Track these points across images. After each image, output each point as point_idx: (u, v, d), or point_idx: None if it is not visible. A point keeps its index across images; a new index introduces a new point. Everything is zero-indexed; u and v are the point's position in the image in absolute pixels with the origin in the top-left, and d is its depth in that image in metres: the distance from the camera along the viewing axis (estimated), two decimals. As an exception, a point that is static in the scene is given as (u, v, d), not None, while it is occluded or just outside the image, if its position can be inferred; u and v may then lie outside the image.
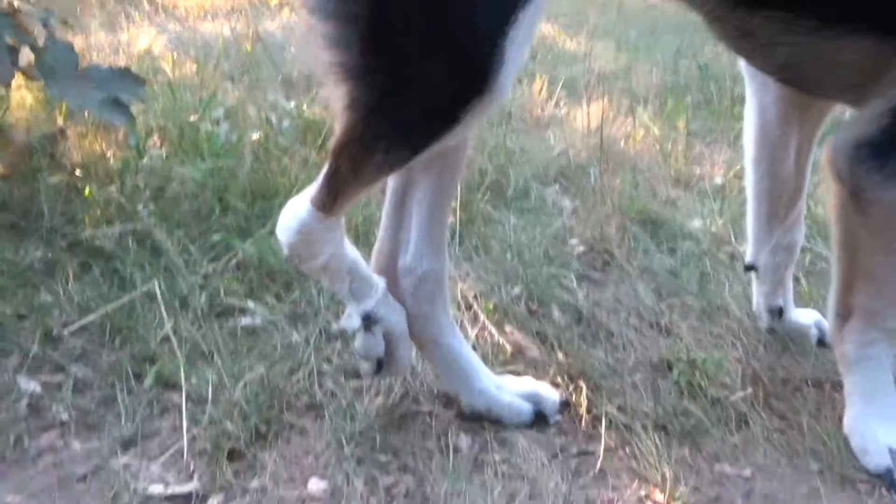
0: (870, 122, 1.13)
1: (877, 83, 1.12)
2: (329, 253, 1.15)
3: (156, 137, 2.39)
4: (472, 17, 0.97)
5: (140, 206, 1.77)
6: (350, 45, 0.98)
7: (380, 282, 1.23)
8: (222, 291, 1.61)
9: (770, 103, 1.47)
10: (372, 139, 1.03)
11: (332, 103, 1.07)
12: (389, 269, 1.28)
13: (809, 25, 1.13)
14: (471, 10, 0.96)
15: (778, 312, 1.60)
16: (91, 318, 1.47)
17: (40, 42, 2.25)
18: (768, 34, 1.18)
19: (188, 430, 1.21)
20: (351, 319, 1.21)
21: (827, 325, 1.63)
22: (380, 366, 1.26)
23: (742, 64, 1.51)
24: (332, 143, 1.08)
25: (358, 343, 1.24)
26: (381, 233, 1.30)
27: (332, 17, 0.98)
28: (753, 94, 1.51)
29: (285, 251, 1.18)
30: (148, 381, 1.34)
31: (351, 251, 1.20)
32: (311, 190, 1.13)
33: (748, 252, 1.63)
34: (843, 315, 1.29)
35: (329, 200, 1.11)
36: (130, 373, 1.36)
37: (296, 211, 1.14)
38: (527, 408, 1.29)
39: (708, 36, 5.05)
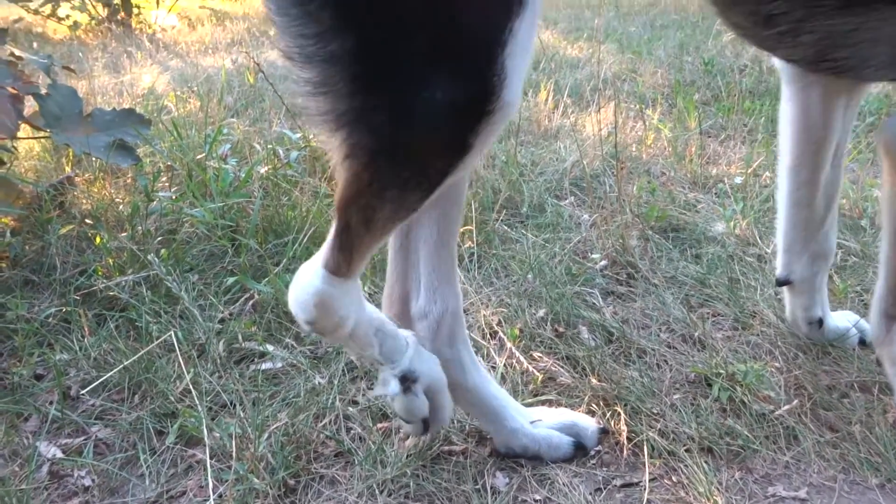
0: None
1: None
2: (354, 318, 1.06)
3: (164, 179, 2.37)
4: (466, 36, 0.88)
5: (151, 254, 1.73)
6: (339, 88, 0.89)
7: (409, 335, 1.15)
8: (240, 336, 1.57)
9: (816, 102, 1.36)
10: (381, 187, 0.94)
11: (330, 154, 0.97)
12: (403, 317, 1.21)
13: (837, 3, 1.02)
14: (464, 28, 0.88)
15: (818, 323, 1.53)
16: (109, 375, 1.43)
17: (43, 90, 2.25)
18: (793, 19, 1.07)
19: (214, 489, 1.17)
20: (388, 385, 1.12)
21: (867, 325, 1.57)
22: (426, 425, 1.18)
23: (779, 65, 1.40)
24: (337, 199, 0.99)
25: (399, 406, 1.15)
26: (389, 277, 1.23)
27: (313, 61, 0.89)
28: (795, 95, 1.39)
29: (305, 328, 1.07)
30: (170, 439, 1.30)
31: (373, 310, 1.12)
32: (322, 254, 1.04)
33: (780, 265, 1.55)
34: (892, 314, 1.23)
35: (344, 261, 1.02)
36: (152, 430, 1.32)
37: (308, 280, 1.04)
38: (565, 441, 1.24)
39: (709, 29, 4.99)
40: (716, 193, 2.37)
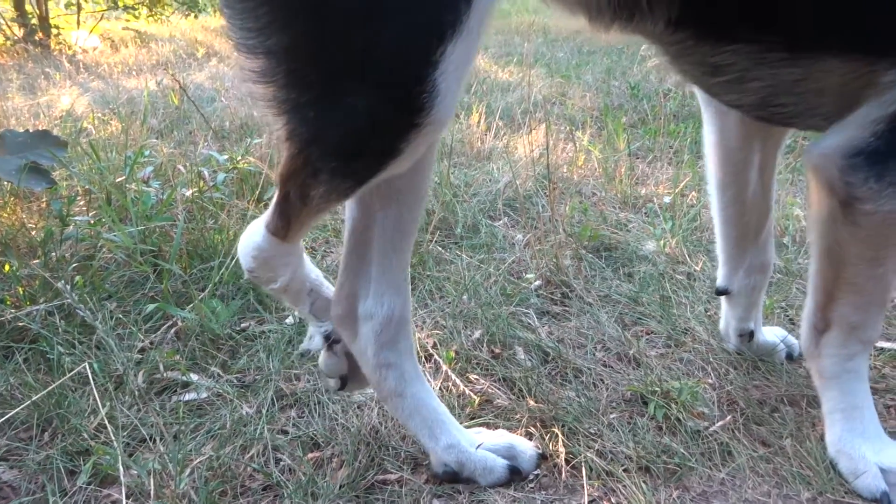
0: (861, 128, 1.05)
1: (861, 95, 1.05)
2: (288, 276, 1.15)
3: (81, 203, 2.25)
4: (393, 53, 0.93)
5: (65, 281, 1.63)
6: (276, 80, 0.95)
7: None
8: (161, 366, 1.49)
9: (732, 126, 1.40)
10: (314, 171, 1.00)
11: (274, 134, 1.04)
12: (349, 316, 1.20)
13: (782, 56, 1.07)
14: (390, 46, 0.93)
15: (749, 335, 1.56)
16: (16, 411, 1.33)
17: (-52, 111, 2.11)
18: (739, 69, 1.11)
19: (131, 532, 1.09)
20: (313, 340, 1.23)
21: (794, 340, 1.60)
22: (343, 382, 1.25)
23: (696, 90, 1.45)
24: (279, 171, 1.05)
25: (321, 361, 1.26)
26: (340, 278, 1.22)
27: (254, 52, 0.95)
28: (712, 120, 1.43)
29: (245, 275, 1.17)
30: (82, 479, 1.20)
31: (312, 271, 1.21)
32: (266, 215, 1.12)
33: (719, 276, 1.57)
34: (821, 328, 1.24)
35: (282, 227, 1.10)
36: (63, 470, 1.23)
37: (252, 235, 1.14)
38: (501, 464, 1.20)
39: (635, 55, 5.14)
40: (645, 213, 2.41)
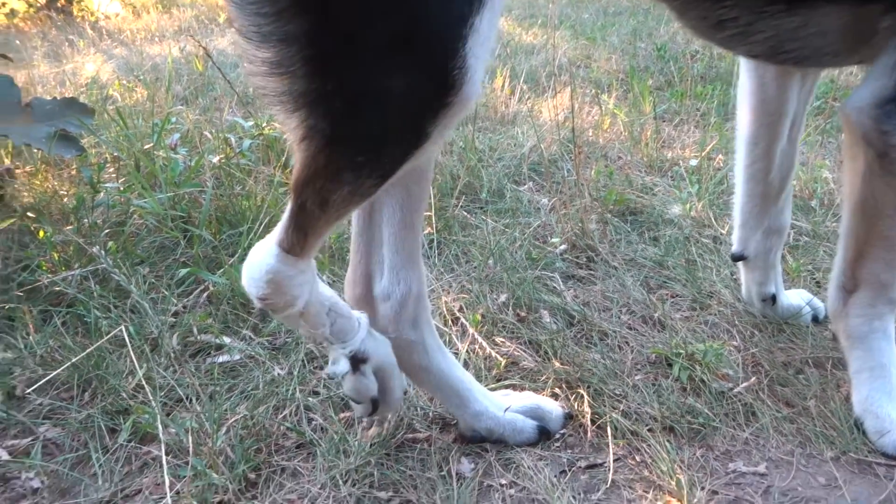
0: (887, 76, 1.06)
1: (873, 40, 1.08)
2: (306, 297, 1.05)
3: (110, 170, 2.29)
4: (425, 30, 0.88)
5: (98, 247, 1.67)
6: (295, 69, 0.87)
7: (361, 316, 1.15)
8: (195, 329, 1.52)
9: (771, 78, 1.39)
10: (337, 170, 0.93)
11: (287, 135, 0.97)
12: (366, 298, 1.19)
13: (780, 7, 1.08)
14: (423, 21, 0.87)
15: (771, 300, 1.56)
16: (57, 372, 1.38)
17: (-23, 78, 2.15)
18: (742, 23, 1.12)
19: (171, 486, 1.13)
20: (338, 364, 1.12)
21: (819, 303, 1.60)
22: (375, 405, 1.17)
23: None
24: (293, 179, 0.97)
25: (348, 386, 1.15)
26: (352, 259, 1.21)
27: (269, 40, 0.86)
28: (752, 71, 1.42)
29: (257, 304, 1.05)
30: (123, 436, 1.25)
31: (326, 290, 1.11)
32: (277, 233, 1.02)
33: (735, 241, 1.57)
34: (850, 288, 1.25)
35: (299, 241, 1.00)
36: (104, 428, 1.27)
37: (262, 258, 1.02)
38: (529, 425, 1.23)
39: (661, 16, 5.04)
40: (671, 176, 2.40)
